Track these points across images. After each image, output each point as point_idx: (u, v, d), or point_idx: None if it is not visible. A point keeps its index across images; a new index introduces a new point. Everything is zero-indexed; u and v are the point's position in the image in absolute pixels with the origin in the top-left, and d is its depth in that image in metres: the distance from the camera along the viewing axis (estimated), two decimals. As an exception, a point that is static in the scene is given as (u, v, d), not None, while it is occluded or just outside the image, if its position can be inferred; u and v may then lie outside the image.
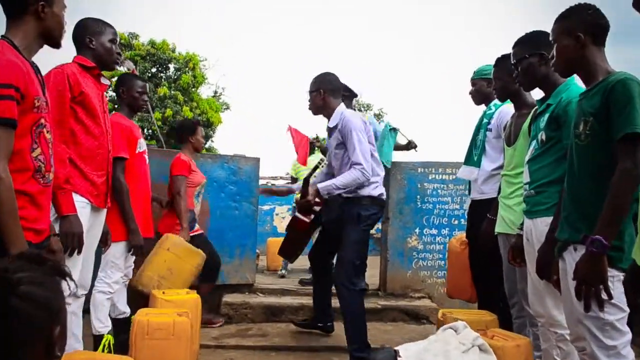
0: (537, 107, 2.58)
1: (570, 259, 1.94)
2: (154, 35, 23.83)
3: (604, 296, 1.77)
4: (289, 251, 3.88)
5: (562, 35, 2.06)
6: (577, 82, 2.37)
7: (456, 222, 4.81)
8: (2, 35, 1.87)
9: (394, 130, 4.67)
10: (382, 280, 4.93)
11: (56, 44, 2.03)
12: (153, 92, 16.97)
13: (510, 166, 2.93)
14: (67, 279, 1.08)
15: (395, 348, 1.66)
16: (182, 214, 3.80)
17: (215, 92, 21.10)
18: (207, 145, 19.10)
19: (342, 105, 3.60)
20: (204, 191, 4.39)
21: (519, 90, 2.93)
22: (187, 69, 18.69)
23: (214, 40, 46.92)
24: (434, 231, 4.83)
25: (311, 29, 59.95)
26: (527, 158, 2.51)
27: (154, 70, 18.42)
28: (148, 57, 18.00)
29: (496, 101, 3.49)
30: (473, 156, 3.53)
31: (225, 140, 40.20)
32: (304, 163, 5.82)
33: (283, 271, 6.08)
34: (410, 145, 4.80)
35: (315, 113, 3.65)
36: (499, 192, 3.08)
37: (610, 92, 1.84)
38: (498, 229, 2.98)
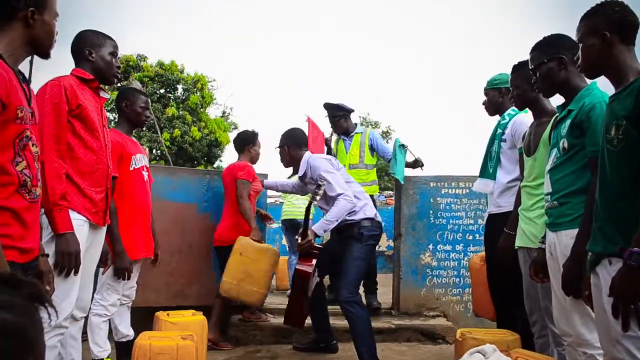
0: (557, 113, 2.47)
1: (605, 273, 1.80)
2: (162, 56, 24.22)
3: (645, 314, 1.62)
4: (298, 314, 3.70)
5: (587, 35, 1.96)
6: (599, 87, 2.28)
7: (471, 237, 4.71)
8: None
9: (403, 146, 4.60)
10: (395, 299, 4.82)
11: (45, 54, 1.93)
12: (161, 112, 17.18)
13: (531, 177, 2.81)
14: (48, 306, 0.94)
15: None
16: (246, 214, 3.99)
17: (224, 112, 21.35)
18: (215, 165, 19.26)
19: (307, 153, 3.90)
20: (211, 209, 4.41)
21: (537, 97, 2.85)
22: (195, 89, 18.95)
23: (222, 61, 47.49)
24: (448, 247, 4.73)
25: (321, 48, 60.63)
26: (548, 167, 2.41)
27: (162, 91, 18.71)
28: (156, 78, 18.29)
29: (510, 111, 3.44)
30: (488, 168, 3.47)
31: (234, 159, 40.21)
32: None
33: None
34: (417, 164, 4.73)
35: (286, 166, 4.09)
36: (516, 205, 2.97)
37: None
38: (519, 242, 2.87)
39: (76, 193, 2.40)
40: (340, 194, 3.51)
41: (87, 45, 2.56)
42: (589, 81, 2.31)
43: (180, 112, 17.96)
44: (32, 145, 1.80)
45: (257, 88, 50.01)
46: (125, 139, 3.11)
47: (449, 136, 49.01)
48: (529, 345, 3.01)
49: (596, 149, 2.01)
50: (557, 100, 2.57)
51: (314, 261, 3.55)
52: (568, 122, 2.27)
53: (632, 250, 1.60)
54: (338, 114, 4.92)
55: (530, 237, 2.74)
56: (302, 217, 6.06)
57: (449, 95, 53.38)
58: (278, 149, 3.96)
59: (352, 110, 5.05)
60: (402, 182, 4.65)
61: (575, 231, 2.14)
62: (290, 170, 4.59)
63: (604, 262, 1.82)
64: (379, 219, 3.75)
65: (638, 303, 1.62)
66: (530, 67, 2.55)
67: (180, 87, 19.03)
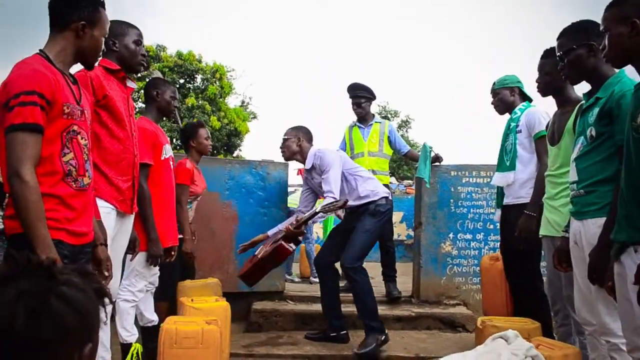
0: (582, 102, 2.44)
1: (630, 261, 1.79)
2: (180, 46, 24.36)
3: (671, 302, 1.62)
4: (256, 278, 3.82)
5: (615, 23, 1.92)
6: (628, 75, 2.24)
7: (491, 226, 4.67)
8: (39, 50, 1.96)
9: (431, 149, 4.68)
10: (415, 287, 4.83)
11: (89, 66, 2.13)
12: (181, 102, 17.28)
13: (555, 166, 2.83)
14: (107, 303, 1.01)
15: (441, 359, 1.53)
16: (183, 223, 3.56)
17: (243, 102, 21.41)
18: (235, 154, 19.38)
19: (314, 147, 4.04)
20: (233, 198, 4.49)
21: (565, 86, 2.85)
22: (214, 79, 19.01)
23: (241, 51, 47.58)
24: (469, 236, 4.72)
25: (338, 37, 60.34)
26: (574, 156, 2.39)
27: (181, 81, 18.78)
28: (175, 69, 18.38)
29: (520, 106, 3.58)
30: (505, 162, 3.56)
31: (254, 149, 40.49)
32: None
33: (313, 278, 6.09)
34: (437, 160, 4.77)
35: (288, 158, 4.13)
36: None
37: None
38: (543, 231, 2.90)
39: (103, 182, 2.45)
40: (330, 192, 3.77)
41: (110, 35, 2.58)
42: (616, 69, 2.28)
43: (200, 102, 18.08)
44: (82, 138, 1.97)
45: (277, 77, 50.08)
46: (156, 127, 3.16)
47: (469, 125, 48.56)
48: (547, 333, 3.06)
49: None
50: (580, 89, 2.55)
51: (294, 246, 3.72)
52: (596, 110, 2.24)
53: (659, 237, 1.60)
54: (364, 96, 4.91)
55: (555, 226, 2.75)
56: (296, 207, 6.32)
57: (468, 84, 52.83)
58: (286, 139, 4.02)
59: (375, 97, 5.06)
60: (428, 186, 4.63)
61: (602, 220, 2.11)
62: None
63: (629, 251, 1.81)
64: (391, 197, 4.05)
65: (664, 291, 1.62)
66: (557, 54, 2.51)
67: (199, 77, 19.14)
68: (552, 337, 3.04)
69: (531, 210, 3.12)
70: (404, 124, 25.40)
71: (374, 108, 5.18)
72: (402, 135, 23.09)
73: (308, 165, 3.98)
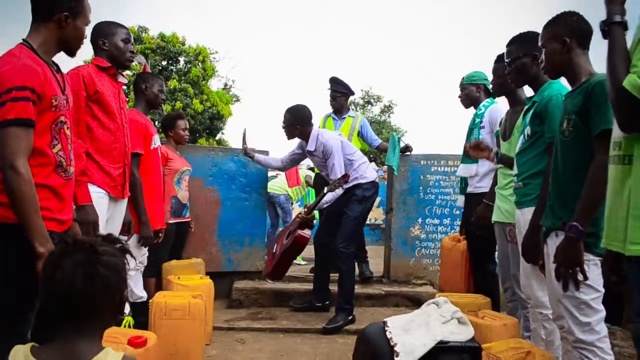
0: (526, 104, 2.73)
1: (552, 244, 2.11)
2: (163, 28, 24.09)
3: (580, 277, 1.93)
4: (281, 272, 4.19)
5: (550, 40, 2.20)
6: (560, 81, 2.50)
7: (457, 212, 4.87)
8: (22, 39, 1.99)
9: (400, 140, 4.90)
10: (386, 268, 5.09)
11: (71, 54, 2.16)
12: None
13: None
14: (130, 257, 1.38)
15: (384, 320, 1.84)
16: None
17: (226, 85, 21.25)
18: (217, 137, 19.32)
19: (315, 128, 4.24)
20: (216, 183, 4.67)
21: (515, 88, 3.09)
22: (197, 61, 18.83)
23: (224, 33, 47.08)
24: (436, 221, 4.97)
25: (323, 19, 59.87)
26: (516, 151, 2.67)
27: (164, 63, 18.58)
28: (158, 51, 18.19)
29: (485, 102, 3.76)
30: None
31: (236, 132, 40.16)
32: (297, 183, 7.08)
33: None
34: (407, 149, 5.00)
35: (290, 139, 4.29)
36: (494, 183, 3.27)
37: (591, 92, 2.00)
38: (494, 218, 3.14)
39: (96, 169, 2.69)
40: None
41: (100, 35, 2.82)
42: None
43: (182, 85, 17.97)
44: (67, 128, 2.06)
45: (260, 60, 49.64)
46: (146, 119, 3.38)
47: (450, 112, 48.91)
48: (496, 308, 3.38)
49: (552, 136, 2.29)
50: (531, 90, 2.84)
51: (309, 231, 4.00)
52: (531, 112, 2.54)
53: (572, 223, 1.92)
54: (341, 91, 5.07)
55: (505, 213, 3.01)
56: (276, 192, 6.89)
57: (451, 71, 53.05)
58: (285, 127, 4.20)
59: (353, 93, 5.26)
60: (396, 173, 4.86)
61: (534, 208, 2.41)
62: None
63: (552, 235, 2.14)
64: (378, 180, 4.32)
65: (575, 268, 1.94)
66: (505, 60, 2.80)
67: (182, 59, 18.97)
68: (499, 310, 3.37)
69: (489, 199, 3.32)
70: (387, 109, 25.33)
71: (357, 92, 5.38)
72: (384, 121, 23.27)
73: (310, 147, 4.16)
